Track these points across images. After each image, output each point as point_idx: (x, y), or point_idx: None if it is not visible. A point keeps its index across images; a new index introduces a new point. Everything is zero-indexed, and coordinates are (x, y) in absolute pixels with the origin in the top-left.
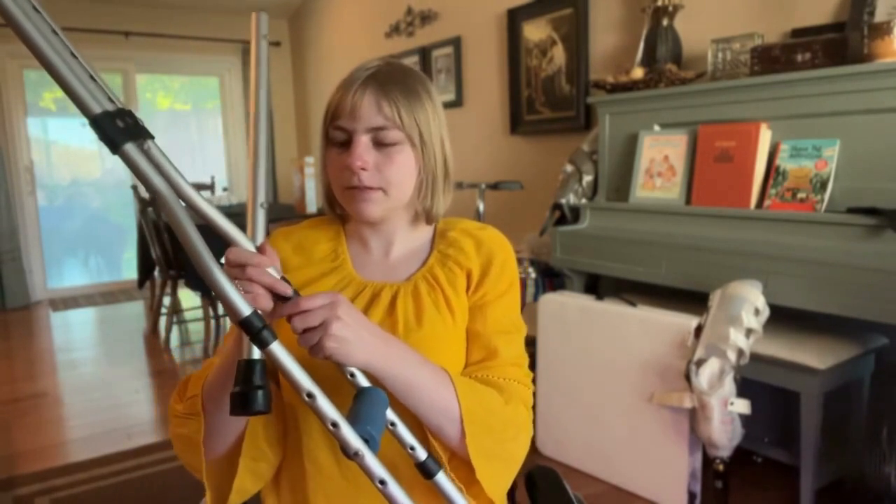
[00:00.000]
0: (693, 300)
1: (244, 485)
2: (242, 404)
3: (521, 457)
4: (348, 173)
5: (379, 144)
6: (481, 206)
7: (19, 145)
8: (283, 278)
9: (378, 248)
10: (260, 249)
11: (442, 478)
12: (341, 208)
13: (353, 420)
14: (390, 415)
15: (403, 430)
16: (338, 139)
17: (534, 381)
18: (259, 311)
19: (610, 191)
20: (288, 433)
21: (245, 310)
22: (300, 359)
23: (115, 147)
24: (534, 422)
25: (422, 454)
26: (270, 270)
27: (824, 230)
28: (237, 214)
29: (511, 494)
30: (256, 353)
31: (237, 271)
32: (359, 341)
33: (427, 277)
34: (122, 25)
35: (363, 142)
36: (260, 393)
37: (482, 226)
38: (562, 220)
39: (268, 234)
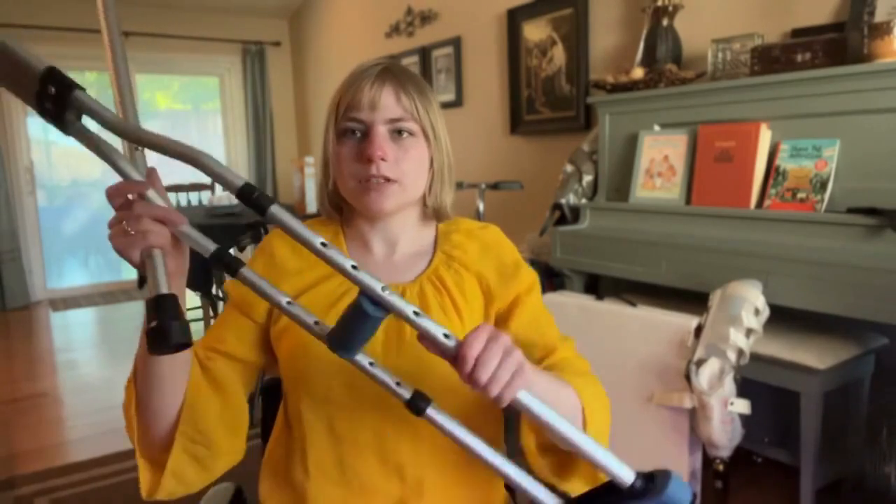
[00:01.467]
0: (693, 300)
1: (180, 467)
2: (159, 339)
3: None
4: (364, 164)
5: (396, 137)
6: (481, 206)
7: (19, 145)
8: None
9: (381, 248)
10: (148, 177)
11: (433, 411)
12: (346, 205)
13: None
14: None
15: (379, 371)
16: (353, 131)
17: None
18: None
19: (610, 191)
20: (291, 435)
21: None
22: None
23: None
24: None
25: (406, 392)
26: (154, 197)
27: (824, 230)
28: (237, 214)
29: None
30: (164, 289)
31: (124, 211)
32: (532, 383)
33: (433, 279)
34: (123, 25)
35: (382, 132)
36: (175, 324)
37: (483, 225)
38: (562, 220)
39: (266, 231)
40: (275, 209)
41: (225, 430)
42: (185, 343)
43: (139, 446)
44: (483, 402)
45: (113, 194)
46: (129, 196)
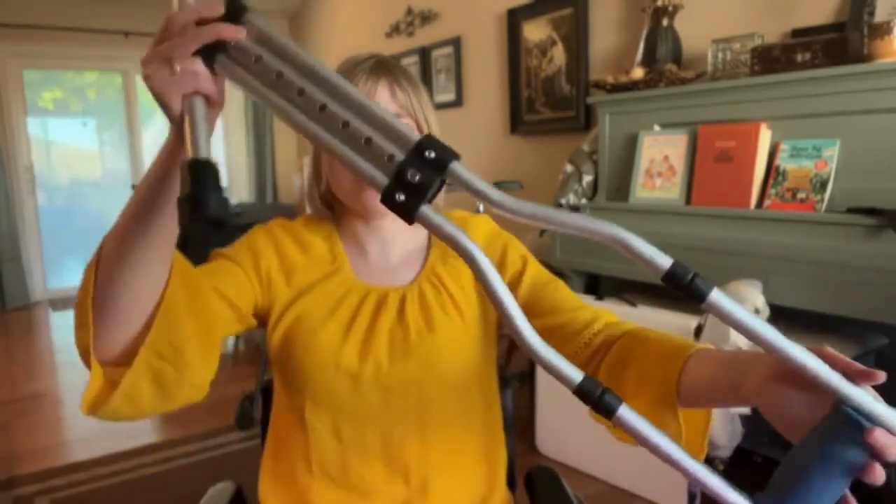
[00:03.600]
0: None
1: (137, 387)
2: (194, 209)
3: None
4: None
5: None
6: (481, 207)
7: (19, 145)
8: None
9: (375, 249)
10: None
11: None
12: (339, 204)
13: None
14: None
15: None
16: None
17: (533, 381)
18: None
19: (610, 191)
20: (292, 435)
21: None
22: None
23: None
24: (534, 421)
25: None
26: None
27: (824, 230)
28: (237, 214)
29: (511, 483)
30: (205, 152)
31: (171, 41)
32: None
33: (430, 278)
34: (122, 25)
35: None
36: (215, 195)
37: (471, 214)
38: None
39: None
40: (714, 296)
41: (200, 352)
42: (224, 220)
43: (93, 349)
44: (484, 399)
45: (172, 21)
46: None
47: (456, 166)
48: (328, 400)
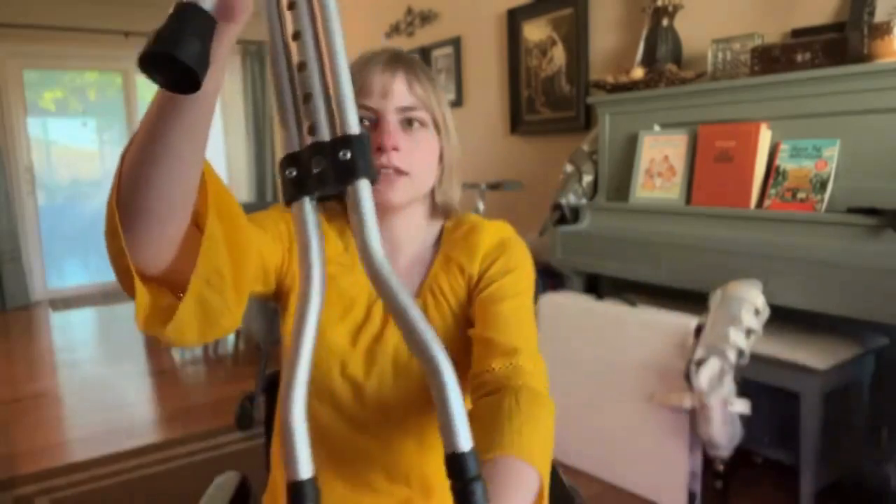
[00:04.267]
0: (693, 300)
1: (187, 320)
2: (157, 44)
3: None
4: (374, 155)
5: (407, 126)
6: (481, 206)
7: (19, 145)
8: None
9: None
10: None
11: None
12: (343, 208)
13: None
14: None
15: None
16: (362, 119)
17: None
18: None
19: (610, 191)
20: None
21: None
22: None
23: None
24: None
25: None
26: None
27: (824, 230)
28: None
29: None
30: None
31: None
32: None
33: (433, 288)
34: (122, 25)
35: (394, 121)
36: (191, 42)
37: (488, 221)
38: (562, 220)
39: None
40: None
41: (236, 278)
42: (194, 75)
43: (130, 259)
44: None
45: None
46: None
47: (361, 186)
48: (330, 400)
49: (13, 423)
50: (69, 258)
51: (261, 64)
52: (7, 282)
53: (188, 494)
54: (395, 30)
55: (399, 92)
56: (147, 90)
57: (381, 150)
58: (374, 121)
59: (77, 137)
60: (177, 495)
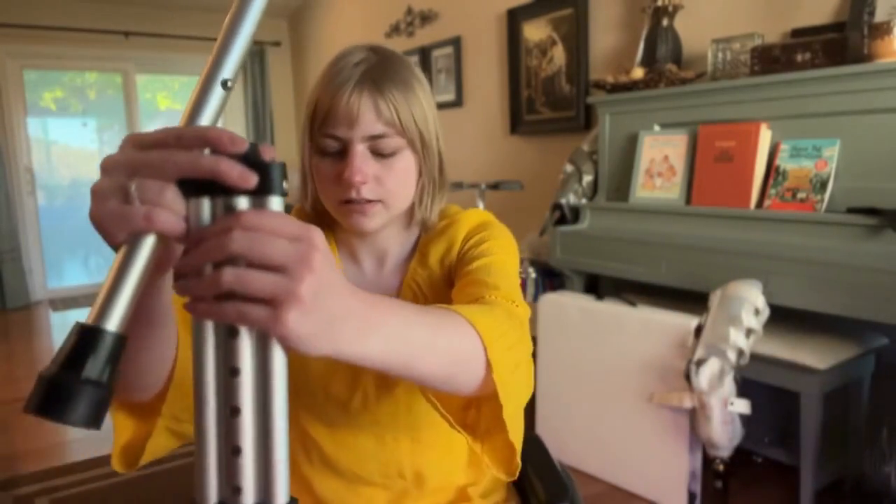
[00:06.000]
0: (693, 300)
1: (159, 444)
2: (46, 401)
3: (530, 360)
4: (344, 187)
5: (378, 153)
6: (481, 206)
7: (19, 145)
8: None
9: (370, 262)
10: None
11: None
12: (331, 218)
13: None
14: None
15: None
16: (330, 149)
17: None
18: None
19: (610, 191)
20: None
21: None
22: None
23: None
24: (534, 421)
25: None
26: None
27: (824, 230)
28: None
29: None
30: (118, 320)
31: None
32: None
33: (412, 286)
34: (122, 25)
35: (361, 152)
36: (89, 390)
37: (464, 211)
38: (562, 220)
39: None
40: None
41: None
42: (88, 426)
43: (116, 401)
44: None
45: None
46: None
47: (273, 202)
48: (318, 418)
49: (13, 423)
50: (69, 258)
51: (261, 64)
52: (7, 282)
53: (189, 494)
54: (395, 30)
55: (366, 120)
56: (147, 90)
57: (348, 183)
58: (339, 150)
59: (77, 137)
60: (177, 495)
